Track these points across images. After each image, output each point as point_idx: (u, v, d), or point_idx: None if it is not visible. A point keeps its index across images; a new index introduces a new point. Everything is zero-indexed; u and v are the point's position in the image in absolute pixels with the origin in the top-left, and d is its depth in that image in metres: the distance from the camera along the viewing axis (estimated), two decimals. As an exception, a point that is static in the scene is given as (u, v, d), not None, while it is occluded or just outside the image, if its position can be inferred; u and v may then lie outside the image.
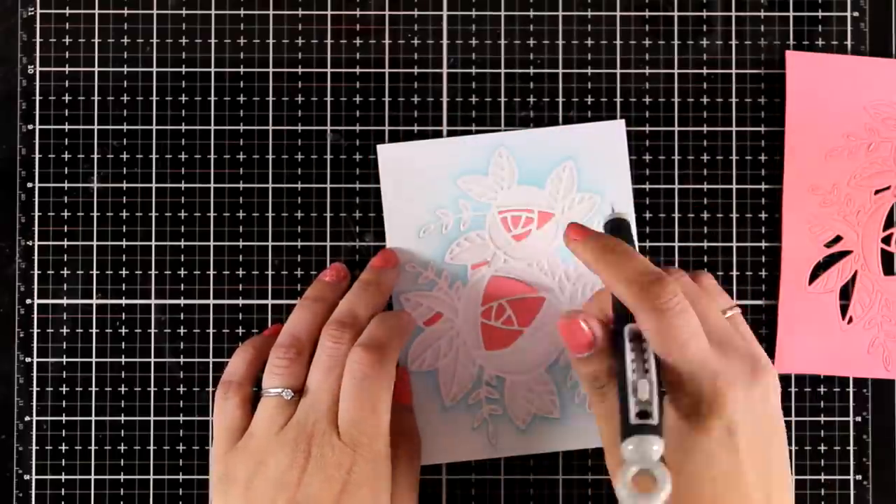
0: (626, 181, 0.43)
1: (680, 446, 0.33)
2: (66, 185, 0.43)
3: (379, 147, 0.43)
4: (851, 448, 0.43)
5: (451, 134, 0.43)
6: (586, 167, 0.43)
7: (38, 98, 0.43)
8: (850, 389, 0.43)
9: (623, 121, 0.43)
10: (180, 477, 0.43)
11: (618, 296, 0.34)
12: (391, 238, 0.43)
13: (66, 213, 0.43)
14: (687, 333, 0.33)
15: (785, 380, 0.43)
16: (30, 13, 0.44)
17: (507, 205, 0.43)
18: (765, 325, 0.43)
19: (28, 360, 0.43)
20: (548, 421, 0.42)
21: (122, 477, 0.43)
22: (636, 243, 0.42)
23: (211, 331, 0.43)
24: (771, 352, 0.43)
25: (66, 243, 0.43)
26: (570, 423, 0.42)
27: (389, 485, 0.37)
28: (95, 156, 0.43)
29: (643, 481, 0.30)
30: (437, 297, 0.43)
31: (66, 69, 0.44)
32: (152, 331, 0.43)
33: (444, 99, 0.44)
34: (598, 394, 0.36)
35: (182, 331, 0.43)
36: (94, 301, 0.43)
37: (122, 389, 0.43)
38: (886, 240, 0.43)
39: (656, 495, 0.29)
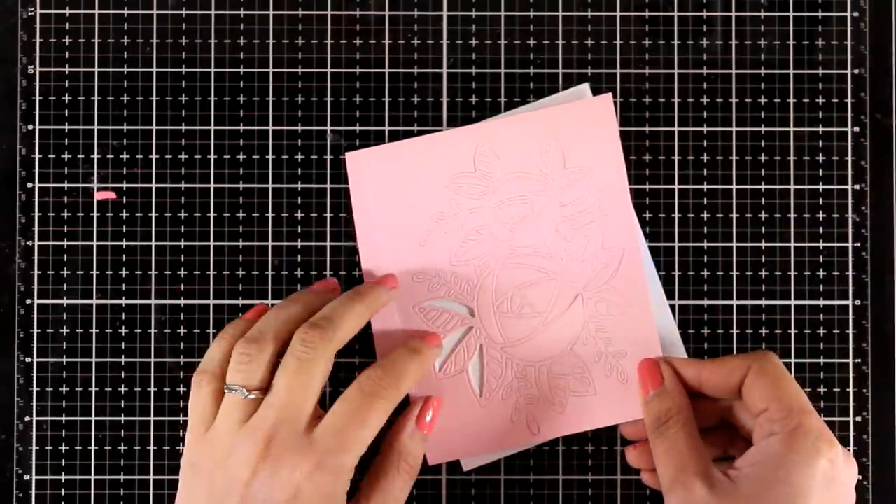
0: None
1: (777, 473, 0.36)
2: (66, 185, 0.43)
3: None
4: (851, 448, 0.43)
5: (451, 134, 0.43)
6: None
7: (38, 98, 0.43)
8: (850, 389, 0.43)
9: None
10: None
11: (724, 376, 0.39)
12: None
13: (66, 213, 0.43)
14: (793, 382, 0.38)
15: (785, 380, 0.43)
16: (30, 13, 0.44)
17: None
18: (764, 325, 0.43)
19: (28, 360, 0.43)
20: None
21: (122, 477, 0.43)
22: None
23: (211, 331, 0.43)
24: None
25: (66, 243, 0.43)
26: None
27: (345, 500, 0.37)
28: (95, 156, 0.43)
29: None
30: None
31: (66, 69, 0.44)
32: (152, 331, 0.43)
33: (444, 99, 0.44)
34: (658, 433, 0.39)
35: (182, 331, 0.43)
36: (94, 301, 0.43)
37: (122, 389, 0.43)
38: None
39: None
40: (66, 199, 0.43)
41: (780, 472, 0.36)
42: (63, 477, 0.43)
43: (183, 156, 0.43)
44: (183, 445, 0.43)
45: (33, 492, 0.43)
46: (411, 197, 0.42)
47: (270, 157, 0.44)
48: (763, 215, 0.44)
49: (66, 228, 0.43)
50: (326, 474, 0.36)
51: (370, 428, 0.37)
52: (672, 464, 0.38)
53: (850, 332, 0.44)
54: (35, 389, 0.43)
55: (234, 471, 0.36)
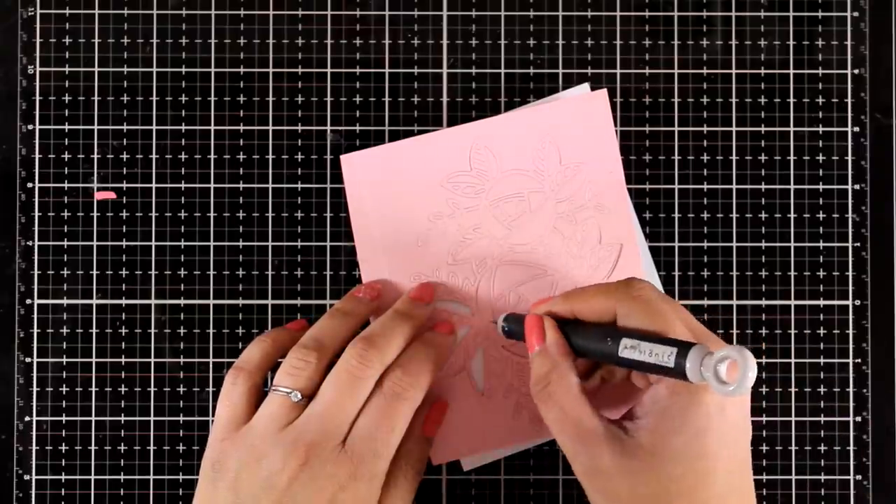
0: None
1: (669, 421, 0.34)
2: (66, 185, 0.43)
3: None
4: (851, 448, 0.43)
5: (451, 134, 0.43)
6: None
7: (38, 98, 0.43)
8: (850, 389, 0.43)
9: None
10: (180, 477, 0.43)
11: (598, 304, 0.36)
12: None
13: (66, 213, 0.43)
14: (673, 313, 0.35)
15: (784, 380, 0.43)
16: (30, 13, 0.44)
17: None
18: (764, 325, 0.43)
19: (28, 360, 0.43)
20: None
21: (122, 477, 0.43)
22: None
23: (211, 331, 0.43)
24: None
25: (66, 243, 0.43)
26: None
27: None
28: (95, 156, 0.44)
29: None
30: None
31: (66, 69, 0.44)
32: (152, 331, 0.43)
33: (444, 99, 0.44)
34: (544, 395, 0.36)
35: (182, 331, 0.43)
36: (94, 301, 0.43)
37: (122, 389, 0.43)
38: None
39: (746, 375, 0.30)
40: (66, 199, 0.43)
41: (671, 420, 0.33)
42: (63, 477, 0.43)
43: (183, 156, 0.43)
44: (182, 445, 0.43)
45: (33, 492, 0.43)
46: (408, 197, 0.43)
47: (270, 157, 0.44)
48: (763, 215, 0.44)
49: (66, 228, 0.43)
50: (362, 482, 0.36)
51: (398, 431, 0.37)
52: (567, 431, 0.35)
53: (850, 332, 0.44)
54: (35, 389, 0.43)
55: (269, 473, 0.36)
